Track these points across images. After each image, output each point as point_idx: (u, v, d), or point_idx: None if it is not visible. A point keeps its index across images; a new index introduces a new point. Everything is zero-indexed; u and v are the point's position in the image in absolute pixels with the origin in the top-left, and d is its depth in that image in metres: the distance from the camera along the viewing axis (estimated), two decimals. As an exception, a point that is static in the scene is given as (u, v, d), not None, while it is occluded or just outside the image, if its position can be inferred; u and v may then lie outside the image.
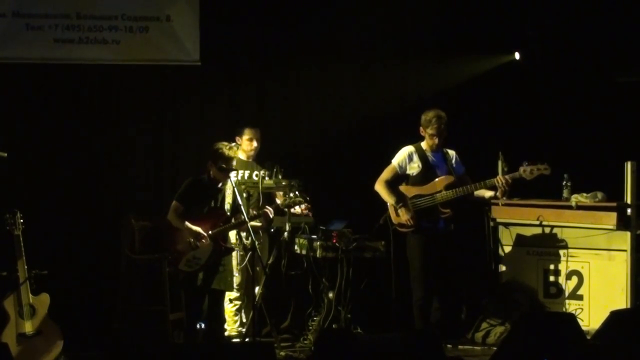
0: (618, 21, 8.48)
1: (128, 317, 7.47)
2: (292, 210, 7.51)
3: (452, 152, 7.51)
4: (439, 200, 7.32)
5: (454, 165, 7.46)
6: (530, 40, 8.82)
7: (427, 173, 7.42)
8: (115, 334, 7.41)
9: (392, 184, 7.46)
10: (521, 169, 7.25)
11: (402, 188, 7.46)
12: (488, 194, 7.47)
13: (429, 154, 7.45)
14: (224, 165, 7.06)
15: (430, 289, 7.38)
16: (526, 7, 8.74)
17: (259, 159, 8.03)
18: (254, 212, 7.29)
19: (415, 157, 7.45)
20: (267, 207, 7.29)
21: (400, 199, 7.40)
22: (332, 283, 7.63)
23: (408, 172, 7.46)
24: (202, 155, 7.64)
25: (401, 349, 5.24)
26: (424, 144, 7.47)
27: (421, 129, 7.42)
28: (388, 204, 7.45)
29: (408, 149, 7.50)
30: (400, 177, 7.49)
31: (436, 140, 7.36)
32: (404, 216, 7.34)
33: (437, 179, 7.39)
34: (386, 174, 7.50)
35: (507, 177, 7.24)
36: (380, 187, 7.49)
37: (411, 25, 8.72)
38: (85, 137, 8.33)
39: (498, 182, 7.24)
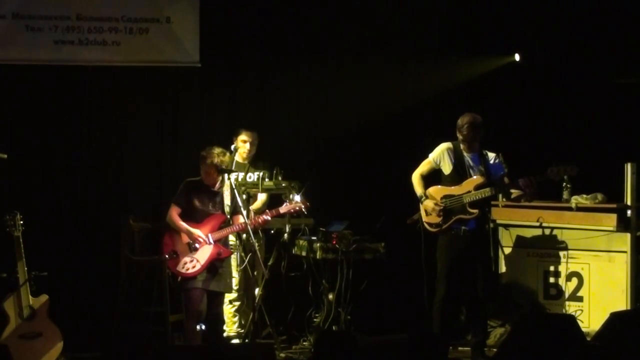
0: (618, 22, 8.48)
1: (128, 318, 7.47)
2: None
3: (492, 154, 7.39)
4: (466, 201, 7.23)
5: (492, 167, 7.35)
6: (530, 42, 8.81)
7: (460, 172, 7.34)
8: (115, 335, 7.41)
9: (427, 177, 7.43)
10: (548, 169, 7.16)
11: (432, 189, 7.38)
12: (515, 194, 7.40)
13: (465, 153, 7.36)
14: (223, 166, 7.07)
15: (454, 291, 7.33)
16: (526, 7, 8.73)
17: (259, 159, 8.03)
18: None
19: (450, 155, 7.36)
20: (266, 210, 7.31)
21: (427, 195, 7.36)
22: (332, 284, 7.63)
23: (441, 168, 7.42)
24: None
25: (401, 351, 5.24)
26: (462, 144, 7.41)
27: (457, 131, 7.37)
28: (420, 204, 7.40)
29: (445, 145, 7.42)
30: (436, 171, 7.45)
31: (466, 145, 7.33)
32: (428, 207, 7.30)
33: (467, 180, 7.30)
34: (422, 167, 7.46)
35: (532, 177, 7.15)
36: (413, 179, 7.45)
37: (412, 26, 8.70)
38: (85, 139, 8.34)
39: (522, 184, 7.15)
